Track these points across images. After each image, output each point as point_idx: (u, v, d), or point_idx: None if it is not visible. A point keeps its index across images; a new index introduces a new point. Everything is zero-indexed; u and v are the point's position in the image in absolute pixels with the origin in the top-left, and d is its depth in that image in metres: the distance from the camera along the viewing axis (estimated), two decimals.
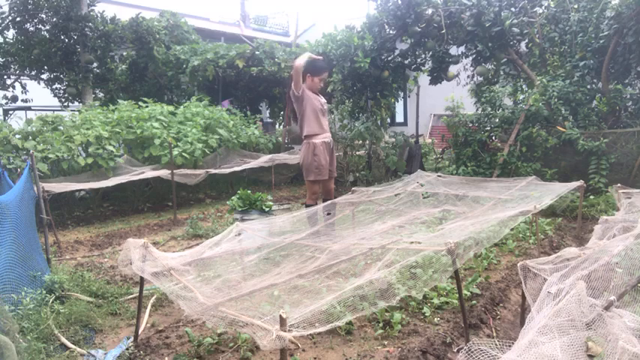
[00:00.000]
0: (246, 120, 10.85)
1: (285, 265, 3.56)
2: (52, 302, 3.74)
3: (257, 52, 11.40)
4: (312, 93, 5.36)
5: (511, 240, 5.64)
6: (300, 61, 5.07)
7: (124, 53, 12.64)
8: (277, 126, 13.84)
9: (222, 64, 11.53)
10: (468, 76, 9.79)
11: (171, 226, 7.25)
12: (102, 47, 11.55)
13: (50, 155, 6.83)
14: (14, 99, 11.90)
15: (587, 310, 2.19)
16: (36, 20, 11.29)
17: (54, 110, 10.06)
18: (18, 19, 11.12)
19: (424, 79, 9.87)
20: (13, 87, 11.95)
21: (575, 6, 8.61)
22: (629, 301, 2.47)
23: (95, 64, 11.69)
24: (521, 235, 5.90)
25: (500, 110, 8.62)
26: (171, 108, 9.21)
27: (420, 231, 4.61)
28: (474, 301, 3.89)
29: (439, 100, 9.76)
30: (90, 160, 7.25)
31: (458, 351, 3.11)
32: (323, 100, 5.47)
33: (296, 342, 2.23)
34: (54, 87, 11.84)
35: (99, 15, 11.51)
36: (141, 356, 3.17)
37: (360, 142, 10.37)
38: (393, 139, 10.20)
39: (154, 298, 4.12)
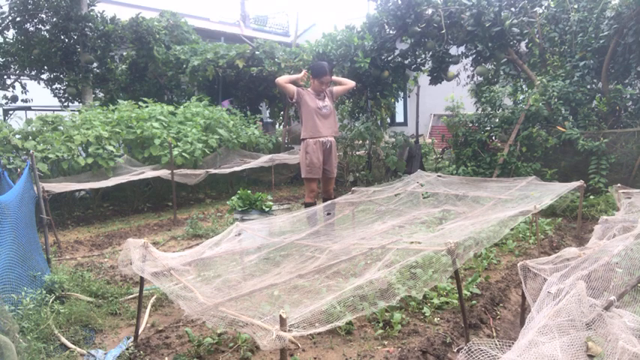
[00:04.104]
0: (246, 120, 10.86)
1: (285, 265, 3.55)
2: (52, 302, 3.74)
3: (257, 52, 11.40)
4: (315, 94, 5.49)
5: (511, 240, 5.64)
6: (280, 79, 5.49)
7: (124, 53, 12.64)
8: (277, 126, 13.83)
9: (222, 64, 11.53)
10: (468, 76, 9.79)
11: (171, 226, 7.25)
12: (102, 47, 11.55)
13: (50, 155, 6.83)
14: (14, 99, 11.90)
15: (587, 310, 2.19)
16: (36, 20, 11.29)
17: (54, 110, 10.06)
18: (18, 19, 11.12)
19: (424, 79, 9.87)
20: (13, 87, 11.96)
21: (575, 6, 8.61)
22: (629, 301, 2.47)
23: (95, 64, 11.69)
24: (521, 235, 5.90)
25: (500, 110, 8.62)
26: (171, 108, 9.21)
27: (420, 231, 4.61)
28: (474, 301, 3.89)
29: (439, 100, 9.76)
30: (90, 160, 7.25)
31: (458, 351, 3.11)
32: (324, 102, 5.49)
33: (296, 342, 2.23)
34: (54, 87, 11.84)
35: (99, 15, 11.50)
36: (141, 356, 3.17)
37: (360, 142, 10.37)
38: (393, 139, 10.20)
39: (154, 298, 4.12)
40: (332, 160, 5.54)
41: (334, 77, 5.84)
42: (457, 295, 3.53)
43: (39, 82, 11.87)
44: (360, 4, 45.68)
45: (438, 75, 9.24)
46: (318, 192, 5.68)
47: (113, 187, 7.62)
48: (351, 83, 5.89)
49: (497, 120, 8.54)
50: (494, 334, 3.53)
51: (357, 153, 10.76)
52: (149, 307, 3.96)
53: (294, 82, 5.52)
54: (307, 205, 5.44)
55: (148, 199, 8.80)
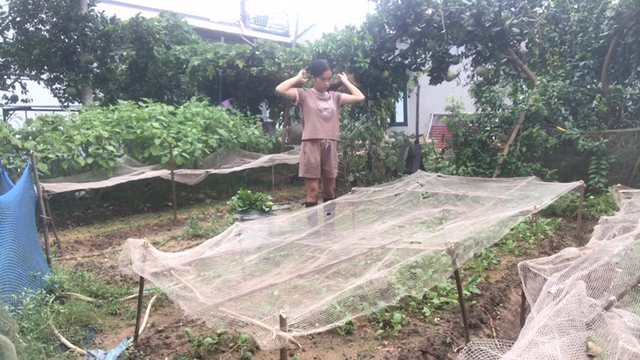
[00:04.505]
0: (246, 120, 10.86)
1: (285, 265, 3.55)
2: (52, 302, 3.74)
3: (257, 52, 11.40)
4: (318, 94, 5.49)
5: (511, 240, 5.64)
6: (280, 87, 5.40)
7: (124, 53, 12.64)
8: (277, 126, 13.84)
9: (222, 64, 11.54)
10: (468, 76, 9.79)
11: (171, 226, 7.25)
12: (102, 47, 11.55)
13: (50, 155, 6.82)
14: (14, 99, 11.90)
15: (587, 310, 2.19)
16: (36, 20, 11.29)
17: (54, 110, 10.06)
18: (18, 19, 11.12)
19: (424, 79, 9.87)
20: (13, 87, 11.95)
21: (575, 6, 8.61)
22: (629, 301, 2.47)
23: (95, 64, 11.69)
24: (521, 235, 5.90)
25: (500, 110, 8.62)
26: (171, 108, 9.21)
27: (420, 231, 4.61)
28: (474, 301, 3.89)
29: (439, 100, 9.76)
30: (90, 160, 7.25)
31: (458, 351, 3.11)
32: (327, 104, 5.45)
33: (296, 342, 2.23)
34: (54, 87, 11.84)
35: (99, 15, 11.50)
36: (141, 356, 3.17)
37: (360, 142, 10.37)
38: (393, 139, 10.20)
39: (154, 298, 4.12)
40: (331, 160, 5.53)
41: (349, 84, 5.76)
42: (457, 295, 3.53)
43: (39, 82, 11.87)
44: (360, 4, 45.69)
45: (438, 75, 9.23)
46: (319, 192, 5.68)
47: (113, 187, 7.61)
48: (361, 96, 5.80)
49: (497, 120, 8.53)
50: (494, 334, 3.53)
51: (357, 153, 10.75)
52: (149, 307, 3.96)
53: (297, 84, 5.50)
54: (308, 204, 5.44)
55: (148, 199, 8.80)
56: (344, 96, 5.67)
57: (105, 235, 6.72)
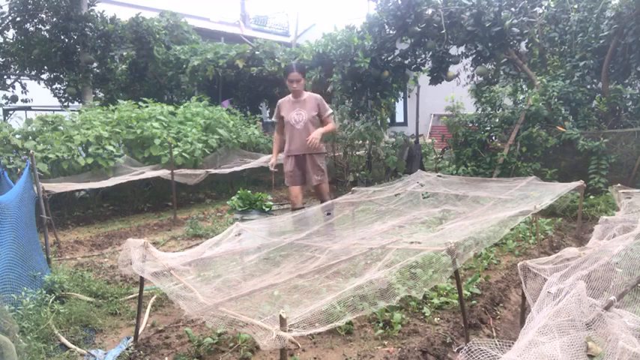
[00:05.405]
0: (246, 120, 10.85)
1: (285, 265, 3.55)
2: (52, 302, 3.74)
3: (257, 52, 11.40)
4: (293, 102, 5.35)
5: (511, 240, 5.64)
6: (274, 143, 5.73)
7: (124, 53, 12.64)
8: None
9: (222, 64, 11.54)
10: (468, 76, 9.78)
11: (171, 226, 7.25)
12: (102, 47, 11.55)
13: (50, 155, 6.82)
14: (14, 99, 11.89)
15: (587, 310, 2.19)
16: (36, 20, 11.29)
17: (54, 110, 10.07)
18: (18, 19, 11.12)
19: (424, 79, 9.86)
20: (13, 87, 11.95)
21: (575, 6, 8.61)
22: (629, 301, 2.47)
23: (95, 64, 11.69)
24: (521, 235, 5.90)
25: (500, 110, 8.61)
26: (171, 108, 9.21)
27: (420, 231, 4.61)
28: (474, 301, 3.89)
29: (439, 100, 9.75)
30: (90, 160, 7.24)
31: (458, 351, 3.11)
32: (299, 113, 5.26)
33: (296, 342, 2.24)
34: (54, 87, 11.84)
35: (99, 15, 11.50)
36: (141, 356, 3.17)
37: (360, 142, 10.37)
38: (393, 139, 10.19)
39: (154, 298, 4.12)
40: (309, 169, 5.30)
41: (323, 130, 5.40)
42: (457, 295, 3.53)
43: (39, 82, 11.87)
44: (360, 4, 45.71)
45: (438, 75, 9.22)
46: (304, 199, 5.55)
47: (113, 187, 7.61)
48: (334, 128, 5.86)
49: (497, 120, 8.53)
50: (494, 334, 3.53)
51: (357, 153, 10.74)
52: (149, 307, 3.96)
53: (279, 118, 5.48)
54: (295, 209, 5.37)
55: (148, 199, 8.80)
56: (325, 116, 5.36)
57: (105, 235, 6.72)
